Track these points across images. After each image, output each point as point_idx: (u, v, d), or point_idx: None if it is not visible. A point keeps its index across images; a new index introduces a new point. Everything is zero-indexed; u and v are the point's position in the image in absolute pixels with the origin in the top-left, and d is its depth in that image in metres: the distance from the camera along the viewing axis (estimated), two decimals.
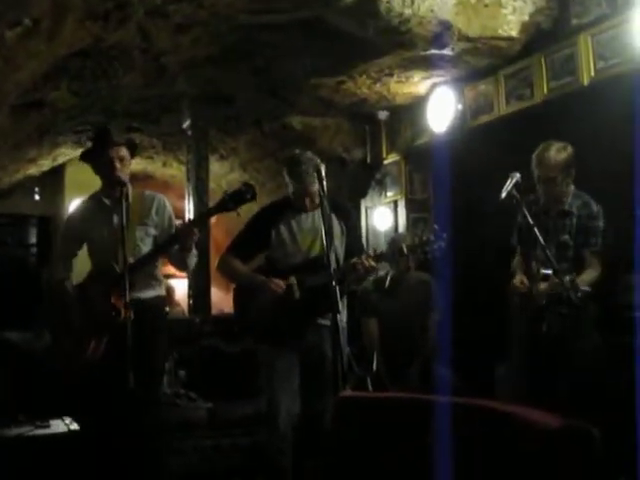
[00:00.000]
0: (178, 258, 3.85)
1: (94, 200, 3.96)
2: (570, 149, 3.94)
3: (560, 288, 3.63)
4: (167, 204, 3.98)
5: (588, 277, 3.82)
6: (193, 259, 3.88)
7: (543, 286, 3.80)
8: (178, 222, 3.99)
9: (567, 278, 3.59)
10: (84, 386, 3.79)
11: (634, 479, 3.52)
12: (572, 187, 4.01)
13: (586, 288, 3.62)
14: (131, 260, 3.63)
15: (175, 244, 3.72)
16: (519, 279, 4.00)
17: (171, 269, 4.49)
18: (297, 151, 3.90)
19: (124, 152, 3.80)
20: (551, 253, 3.73)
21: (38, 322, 3.96)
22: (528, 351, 4.01)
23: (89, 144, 4.14)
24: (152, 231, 3.88)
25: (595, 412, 3.21)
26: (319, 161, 3.70)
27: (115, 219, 3.79)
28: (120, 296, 3.59)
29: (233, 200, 3.57)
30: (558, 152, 3.91)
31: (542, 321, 3.90)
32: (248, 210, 3.92)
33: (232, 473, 4.91)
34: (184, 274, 6.94)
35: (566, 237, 3.91)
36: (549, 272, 3.76)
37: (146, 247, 3.81)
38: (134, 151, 3.95)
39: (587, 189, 4.05)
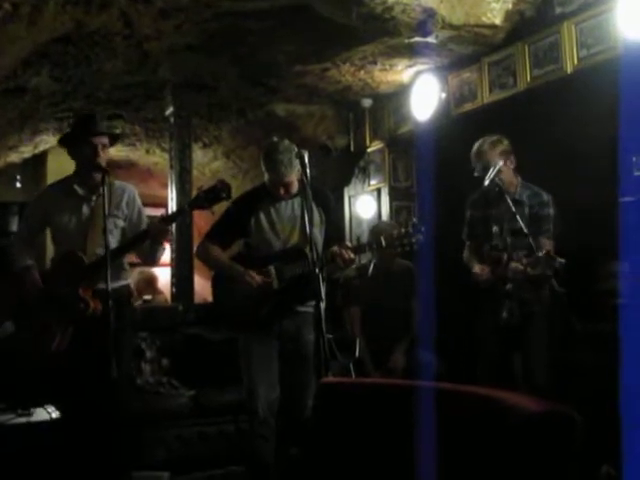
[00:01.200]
0: (147, 252, 3.81)
1: (63, 186, 3.86)
2: (505, 141, 4.11)
3: (536, 262, 3.69)
4: (137, 196, 3.92)
5: None
6: (162, 252, 3.86)
7: (515, 264, 3.85)
8: (153, 213, 3.91)
9: (541, 253, 3.67)
10: (54, 375, 3.73)
11: (617, 467, 3.56)
12: (519, 179, 4.14)
13: (562, 260, 3.67)
14: (100, 251, 3.59)
15: (147, 240, 3.67)
16: (479, 267, 4.10)
17: None
18: (275, 139, 3.86)
19: (106, 140, 3.75)
20: (509, 241, 3.89)
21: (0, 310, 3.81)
22: (493, 339, 4.07)
23: (70, 128, 4.06)
24: (121, 223, 3.82)
25: (576, 399, 3.24)
26: (298, 149, 3.67)
27: (85, 208, 3.75)
28: (88, 287, 3.56)
29: (208, 199, 3.54)
30: (493, 144, 4.08)
31: (502, 309, 3.96)
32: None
33: (216, 460, 4.90)
34: (167, 262, 6.92)
35: (521, 225, 3.98)
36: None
37: (114, 238, 3.72)
38: (114, 142, 3.92)
39: (571, 176, 4.08)
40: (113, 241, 3.69)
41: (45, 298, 3.65)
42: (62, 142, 3.88)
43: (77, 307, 3.54)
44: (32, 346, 3.65)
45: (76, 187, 3.79)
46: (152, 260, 3.92)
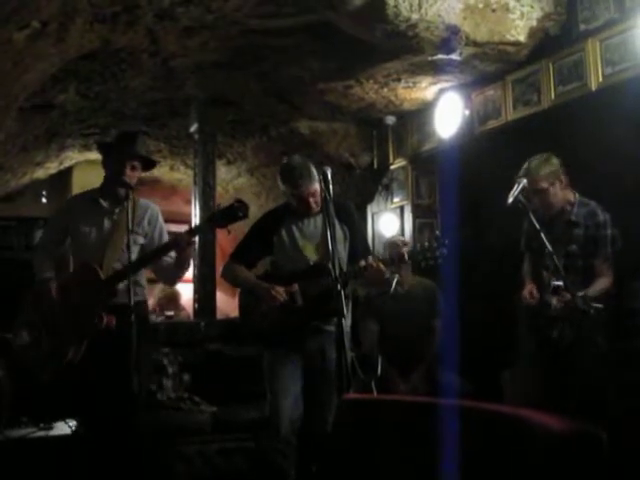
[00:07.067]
0: (168, 272, 3.80)
1: (88, 197, 3.88)
2: (555, 160, 3.95)
3: (573, 305, 3.62)
4: (160, 215, 3.92)
5: (600, 286, 3.83)
6: (183, 272, 3.85)
7: (555, 302, 3.79)
8: (176, 230, 3.87)
9: (579, 295, 3.60)
10: (71, 389, 3.71)
11: None
12: (576, 195, 4.01)
13: (599, 305, 3.59)
14: (117, 266, 3.60)
15: (165, 254, 3.67)
16: (529, 290, 3.99)
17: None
18: (285, 159, 3.89)
19: (139, 164, 3.78)
20: (560, 262, 3.72)
21: (18, 320, 3.78)
22: (538, 357, 4.01)
23: (113, 135, 4.07)
24: (140, 240, 3.80)
25: (605, 418, 3.20)
26: (320, 166, 3.66)
27: (106, 221, 3.76)
28: (103, 301, 3.54)
29: (224, 217, 3.52)
30: (540, 165, 3.94)
31: (553, 329, 3.89)
32: (253, 216, 3.89)
33: (237, 477, 4.89)
34: (189, 279, 6.94)
35: (574, 247, 3.91)
36: (560, 283, 3.74)
37: (132, 255, 3.62)
38: (149, 168, 3.93)
39: (595, 194, 4.04)
40: (131, 257, 3.64)
41: (60, 310, 3.63)
42: (100, 147, 3.92)
43: (91, 321, 3.52)
44: (46, 358, 3.63)
45: (100, 200, 3.80)
46: (171, 279, 3.93)
